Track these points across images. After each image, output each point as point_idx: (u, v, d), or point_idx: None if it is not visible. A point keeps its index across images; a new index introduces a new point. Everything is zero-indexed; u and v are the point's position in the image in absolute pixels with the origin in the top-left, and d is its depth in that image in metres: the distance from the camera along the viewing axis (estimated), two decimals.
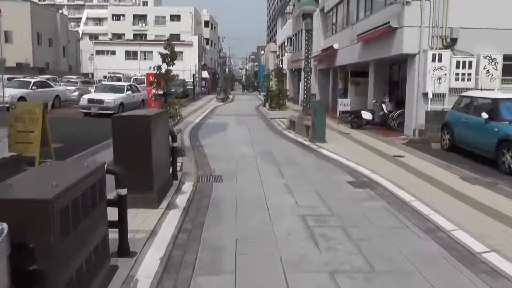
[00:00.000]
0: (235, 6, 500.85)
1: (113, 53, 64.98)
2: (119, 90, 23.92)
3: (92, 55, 62.18)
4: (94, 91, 24.39)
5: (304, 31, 37.09)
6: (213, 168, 10.25)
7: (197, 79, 52.07)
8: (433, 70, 15.17)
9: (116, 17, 78.89)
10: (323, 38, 30.48)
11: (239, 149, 13.03)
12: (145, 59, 64.28)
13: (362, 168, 10.24)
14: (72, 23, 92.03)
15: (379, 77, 20.54)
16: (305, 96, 16.72)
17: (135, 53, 64.98)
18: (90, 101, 22.09)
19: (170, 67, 11.26)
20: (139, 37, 74.68)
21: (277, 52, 61.98)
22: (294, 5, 43.16)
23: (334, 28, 27.32)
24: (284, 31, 51.78)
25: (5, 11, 49.61)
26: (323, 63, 29.71)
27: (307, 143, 14.27)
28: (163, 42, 11.66)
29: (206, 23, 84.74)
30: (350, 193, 8.17)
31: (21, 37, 50.99)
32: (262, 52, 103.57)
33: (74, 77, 36.53)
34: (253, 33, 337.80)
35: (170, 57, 11.20)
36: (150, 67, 10.71)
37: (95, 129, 16.43)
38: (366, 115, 18.45)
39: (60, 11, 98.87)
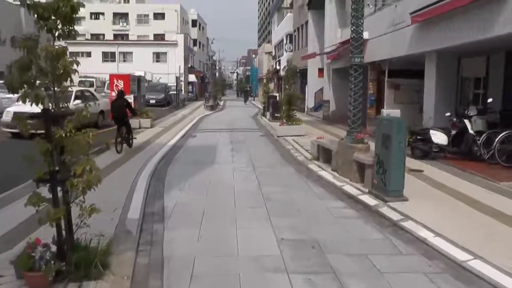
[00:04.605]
0: (223, 8, 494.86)
1: (89, 54, 57.66)
2: None
3: None
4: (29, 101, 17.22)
5: (310, 22, 30.36)
6: None
7: (182, 83, 45.01)
8: None
9: (95, 15, 71.42)
10: (341, 28, 23.63)
11: (243, 232, 5.92)
12: (124, 61, 57.27)
13: None
14: None
15: (442, 76, 13.73)
16: (353, 108, 9.74)
17: (113, 54, 57.80)
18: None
19: (64, 43, 4.28)
20: (120, 37, 67.41)
21: (273, 53, 55.01)
22: None
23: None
24: (282, 28, 44.90)
25: None
26: (340, 61, 22.83)
27: (371, 202, 7.30)
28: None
29: (194, 23, 77.63)
30: None
31: None
32: (254, 55, 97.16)
33: None
34: (243, 36, 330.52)
35: (63, 15, 4.20)
36: None
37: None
38: (439, 138, 11.55)
39: None
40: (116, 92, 20.60)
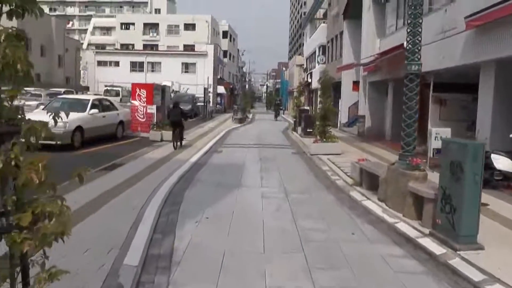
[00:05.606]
0: (254, 21, 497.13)
1: (117, 64, 57.38)
2: (80, 107, 15.71)
3: (86, 63, 54.19)
4: (43, 109, 16.05)
5: (346, 32, 28.73)
6: None
7: (210, 94, 43.86)
8: None
9: (125, 26, 71.59)
10: (379, 38, 22.03)
11: None
12: (152, 71, 56.68)
13: None
14: (83, 35, 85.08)
15: (501, 90, 12.00)
16: (407, 126, 8.13)
17: (141, 64, 57.30)
18: None
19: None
20: (150, 47, 67.12)
21: (305, 65, 53.55)
22: (330, 4, 34.92)
23: (402, 19, 18.73)
24: (314, 39, 43.46)
25: None
26: (378, 73, 21.26)
27: (436, 249, 5.66)
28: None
29: (225, 34, 76.81)
30: None
31: None
32: (284, 68, 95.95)
33: (40, 89, 27.87)
34: (272, 50, 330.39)
35: None
36: None
37: None
38: (502, 163, 9.86)
39: (71, 22, 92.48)
40: (139, 101, 19.80)
